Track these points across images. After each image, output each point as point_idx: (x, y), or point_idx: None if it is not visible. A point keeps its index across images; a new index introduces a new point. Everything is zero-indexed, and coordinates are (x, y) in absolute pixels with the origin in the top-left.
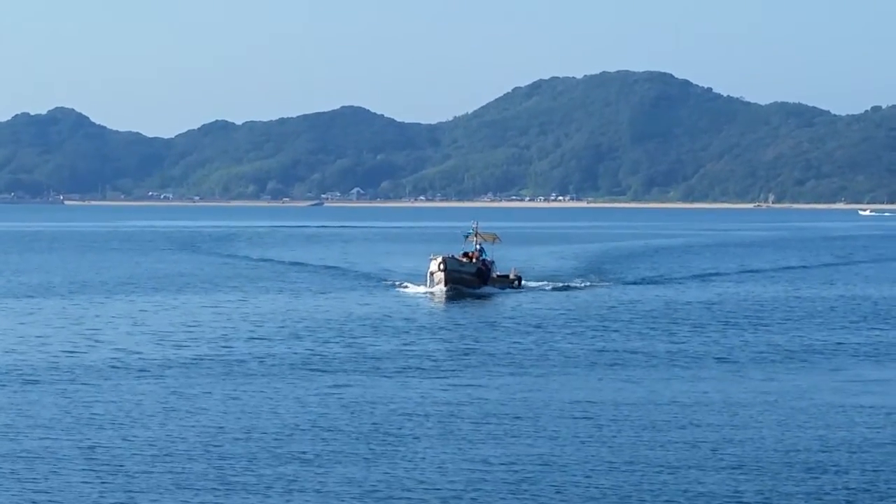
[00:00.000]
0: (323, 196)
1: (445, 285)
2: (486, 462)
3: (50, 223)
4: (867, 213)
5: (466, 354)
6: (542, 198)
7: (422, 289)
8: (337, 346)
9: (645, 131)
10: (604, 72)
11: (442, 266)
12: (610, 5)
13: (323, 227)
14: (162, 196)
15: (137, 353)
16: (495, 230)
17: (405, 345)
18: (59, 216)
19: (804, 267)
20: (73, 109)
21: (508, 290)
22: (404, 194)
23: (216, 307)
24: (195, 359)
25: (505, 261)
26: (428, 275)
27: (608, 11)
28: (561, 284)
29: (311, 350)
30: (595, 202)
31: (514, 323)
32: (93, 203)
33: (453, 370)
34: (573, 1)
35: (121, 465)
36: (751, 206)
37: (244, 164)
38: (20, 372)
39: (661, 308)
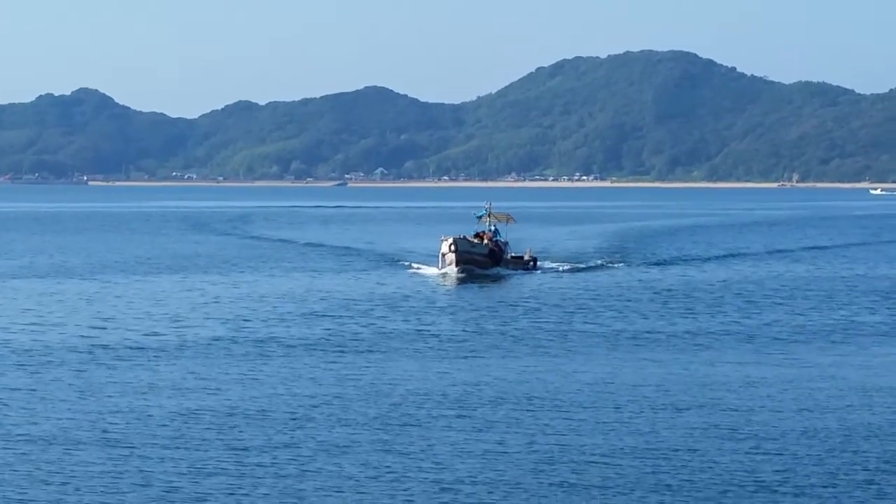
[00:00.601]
0: (346, 176)
1: (457, 266)
2: (502, 443)
3: (72, 204)
4: (878, 192)
5: (479, 336)
6: (565, 178)
7: (434, 270)
8: (347, 327)
9: (669, 111)
10: (627, 51)
11: (453, 247)
12: None
13: (340, 206)
14: (185, 177)
15: (154, 333)
16: (519, 210)
17: (416, 326)
18: (82, 197)
19: (826, 247)
20: (96, 90)
21: (523, 271)
22: (428, 174)
23: (229, 288)
24: (210, 340)
25: (527, 241)
26: (440, 256)
27: None
28: (578, 265)
29: (324, 331)
30: (619, 182)
31: (526, 304)
32: (116, 184)
33: (465, 352)
34: None
35: (136, 447)
36: (775, 185)
37: (267, 144)
38: (36, 352)
39: (680, 288)
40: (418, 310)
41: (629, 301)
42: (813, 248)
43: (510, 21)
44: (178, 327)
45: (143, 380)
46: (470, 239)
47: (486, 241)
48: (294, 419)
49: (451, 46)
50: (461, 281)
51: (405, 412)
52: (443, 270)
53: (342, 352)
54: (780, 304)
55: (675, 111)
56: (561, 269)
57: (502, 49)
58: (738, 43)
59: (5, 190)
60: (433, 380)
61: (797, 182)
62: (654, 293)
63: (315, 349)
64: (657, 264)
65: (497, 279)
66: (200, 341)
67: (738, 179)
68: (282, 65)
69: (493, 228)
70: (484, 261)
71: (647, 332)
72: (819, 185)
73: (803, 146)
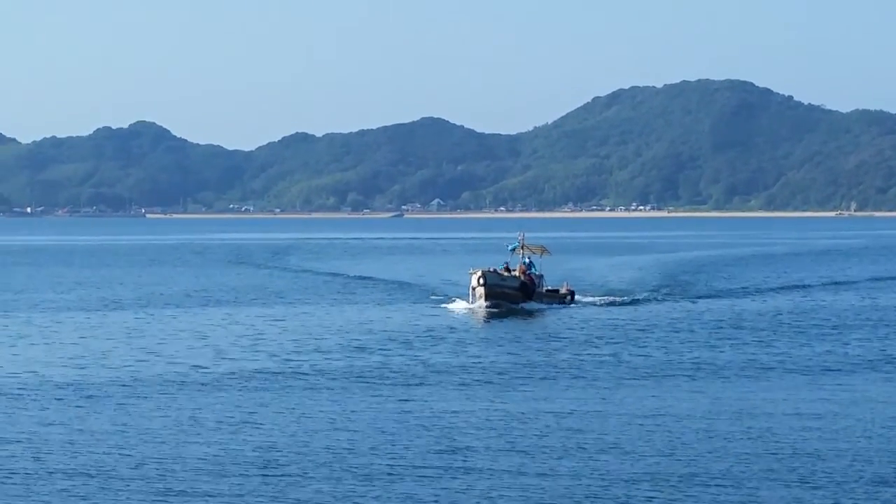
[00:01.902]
0: (403, 207)
1: (486, 301)
2: (548, 477)
3: (128, 236)
4: None
5: (517, 369)
6: (622, 207)
7: (464, 304)
8: (379, 360)
9: (726, 140)
10: (684, 80)
11: (481, 280)
12: (689, 14)
13: (397, 238)
14: (243, 209)
15: (198, 366)
16: (573, 240)
17: (448, 360)
18: (138, 229)
19: (882, 277)
20: (154, 123)
21: (558, 305)
22: (485, 205)
23: (272, 321)
24: (250, 373)
25: (581, 272)
26: (469, 290)
27: (687, 20)
28: (620, 299)
29: (359, 364)
30: (676, 212)
31: (561, 337)
32: (174, 216)
33: (504, 385)
34: (652, 10)
35: (176, 481)
36: (832, 214)
37: (324, 176)
38: (79, 386)
39: (730, 319)
40: (449, 344)
41: (676, 332)
42: (874, 279)
43: (566, 51)
44: (219, 360)
45: (184, 413)
46: (500, 272)
47: (518, 274)
48: (334, 453)
49: (507, 77)
50: (489, 316)
51: (448, 445)
52: (472, 305)
53: (378, 385)
54: (829, 334)
55: (732, 140)
56: (600, 302)
57: (558, 79)
58: (795, 71)
59: (64, 223)
60: (475, 413)
61: (855, 211)
62: (702, 324)
63: (352, 382)
64: (706, 297)
65: (530, 313)
66: (239, 374)
67: (796, 209)
68: (338, 96)
69: (527, 261)
70: (515, 294)
71: (695, 363)
72: (877, 213)
73: (861, 175)
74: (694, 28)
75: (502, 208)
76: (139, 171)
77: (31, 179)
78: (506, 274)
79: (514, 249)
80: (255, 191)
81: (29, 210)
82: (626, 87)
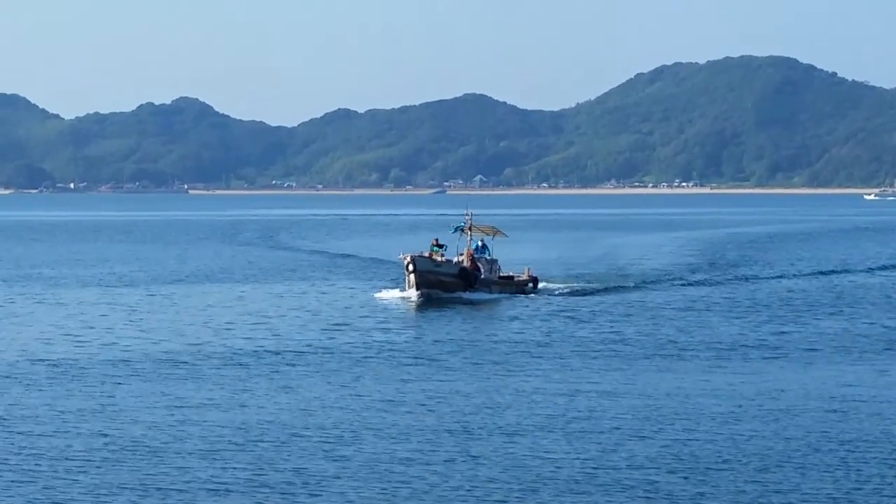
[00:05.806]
0: (445, 184)
1: (417, 290)
2: (545, 459)
3: (165, 212)
4: (871, 197)
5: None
6: (665, 184)
7: (396, 294)
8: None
9: (769, 116)
10: (727, 57)
11: (411, 267)
12: None
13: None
14: (285, 185)
15: (191, 345)
16: (615, 217)
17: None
18: (179, 205)
19: None
20: (196, 99)
21: (512, 294)
22: (527, 181)
23: (273, 299)
24: (233, 353)
25: (624, 248)
26: (405, 277)
27: None
28: (592, 286)
29: (304, 345)
30: (718, 188)
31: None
32: (217, 192)
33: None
34: None
35: (160, 462)
36: (876, 191)
37: (367, 152)
38: (66, 363)
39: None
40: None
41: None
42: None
43: (609, 27)
44: (199, 341)
45: (172, 394)
46: (435, 257)
47: (464, 259)
48: (325, 433)
49: (550, 53)
50: (419, 307)
51: (446, 427)
52: (404, 294)
53: (319, 367)
54: (844, 313)
55: (775, 117)
56: (565, 291)
57: (601, 55)
58: (839, 48)
59: (106, 199)
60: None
61: None
62: (669, 312)
63: (301, 363)
64: (688, 284)
65: (471, 304)
66: (226, 354)
67: (840, 185)
68: (380, 72)
69: (478, 244)
70: (452, 283)
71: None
72: None
73: None
74: (737, 4)
75: (545, 185)
76: (182, 147)
77: (75, 155)
78: (440, 259)
79: (459, 230)
80: (297, 167)
81: (72, 186)
82: (670, 63)
